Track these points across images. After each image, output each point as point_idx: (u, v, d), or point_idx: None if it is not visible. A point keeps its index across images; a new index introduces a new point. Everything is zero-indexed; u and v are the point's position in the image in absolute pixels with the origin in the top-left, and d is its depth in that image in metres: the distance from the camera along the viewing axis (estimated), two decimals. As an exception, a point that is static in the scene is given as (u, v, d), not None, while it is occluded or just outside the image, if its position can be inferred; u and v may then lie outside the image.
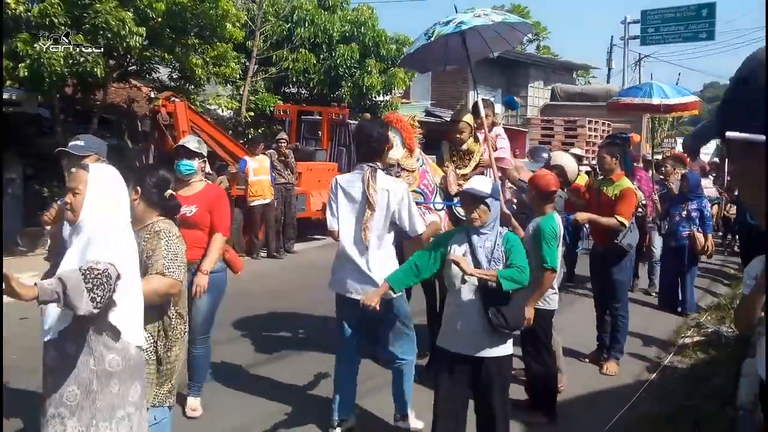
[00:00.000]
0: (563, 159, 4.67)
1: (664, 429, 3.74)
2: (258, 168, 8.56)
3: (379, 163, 3.46)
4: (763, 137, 0.77)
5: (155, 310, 2.52)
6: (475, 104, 4.64)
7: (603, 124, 10.91)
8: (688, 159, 9.01)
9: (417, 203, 3.89)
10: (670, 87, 7.22)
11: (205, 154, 3.74)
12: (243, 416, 3.79)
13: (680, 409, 3.99)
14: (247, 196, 8.55)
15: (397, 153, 3.93)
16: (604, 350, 4.84)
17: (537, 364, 3.81)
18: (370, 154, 3.41)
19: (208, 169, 3.94)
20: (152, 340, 2.54)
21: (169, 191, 2.70)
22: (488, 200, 2.82)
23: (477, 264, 2.81)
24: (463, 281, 2.82)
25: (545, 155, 5.18)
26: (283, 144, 9.18)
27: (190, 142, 3.72)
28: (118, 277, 2.04)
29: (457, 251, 2.85)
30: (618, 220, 4.48)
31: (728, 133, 0.81)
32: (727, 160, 5.66)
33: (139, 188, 2.63)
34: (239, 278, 7.45)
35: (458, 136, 4.39)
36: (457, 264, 2.73)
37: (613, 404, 4.05)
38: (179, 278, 2.51)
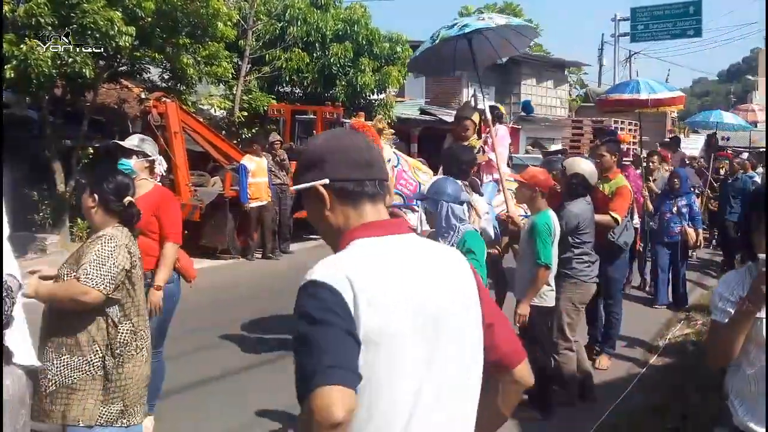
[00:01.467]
0: (581, 166, 4.19)
1: (653, 420, 3.82)
2: (256, 169, 8.43)
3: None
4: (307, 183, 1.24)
5: (84, 318, 2.30)
6: (481, 110, 4.76)
7: (630, 124, 11.47)
8: (669, 155, 9.02)
9: (397, 206, 3.94)
10: (656, 82, 7.21)
11: (150, 152, 3.42)
12: (240, 417, 3.71)
13: (669, 400, 4.08)
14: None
15: None
16: (597, 345, 4.85)
17: (533, 361, 3.73)
18: (459, 175, 3.63)
19: (160, 170, 3.49)
20: (100, 354, 2.32)
21: (128, 198, 2.50)
22: (425, 203, 2.89)
23: None
24: None
25: (559, 166, 4.86)
26: (277, 145, 9.06)
27: (129, 139, 3.46)
28: (20, 286, 1.86)
29: None
30: (611, 216, 4.43)
31: (293, 188, 1.26)
32: (713, 155, 5.63)
33: (96, 195, 2.44)
34: (234, 280, 7.37)
35: (464, 133, 4.50)
36: None
37: (605, 396, 4.14)
38: (98, 287, 2.26)
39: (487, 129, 4.62)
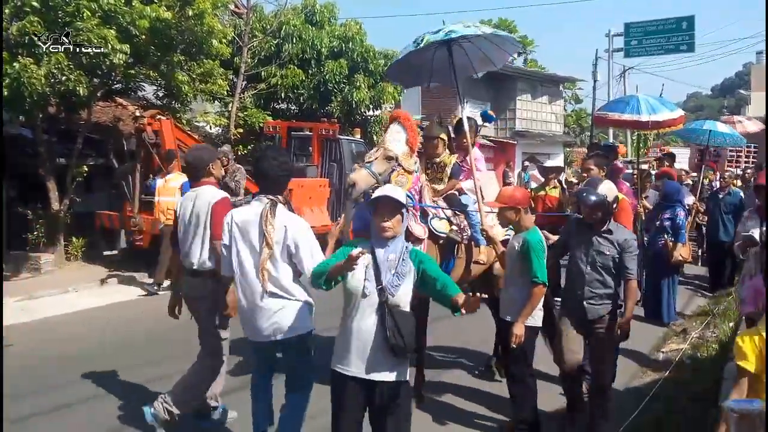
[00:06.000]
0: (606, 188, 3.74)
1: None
2: (161, 188, 7.66)
3: (280, 197, 3.16)
4: None
5: None
6: (460, 121, 4.71)
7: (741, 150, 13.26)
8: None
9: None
10: (656, 99, 7.02)
11: None
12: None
13: (666, 413, 4.02)
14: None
15: (399, 148, 3.84)
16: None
17: (518, 384, 3.66)
18: (272, 185, 3.13)
19: None
20: None
21: None
22: (403, 210, 2.66)
23: (378, 278, 2.58)
24: (364, 295, 2.59)
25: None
26: (223, 160, 7.67)
27: None
28: None
29: (359, 264, 2.55)
30: None
31: None
32: (703, 167, 5.40)
33: None
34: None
35: (434, 151, 4.51)
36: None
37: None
38: None
39: (465, 142, 4.49)
